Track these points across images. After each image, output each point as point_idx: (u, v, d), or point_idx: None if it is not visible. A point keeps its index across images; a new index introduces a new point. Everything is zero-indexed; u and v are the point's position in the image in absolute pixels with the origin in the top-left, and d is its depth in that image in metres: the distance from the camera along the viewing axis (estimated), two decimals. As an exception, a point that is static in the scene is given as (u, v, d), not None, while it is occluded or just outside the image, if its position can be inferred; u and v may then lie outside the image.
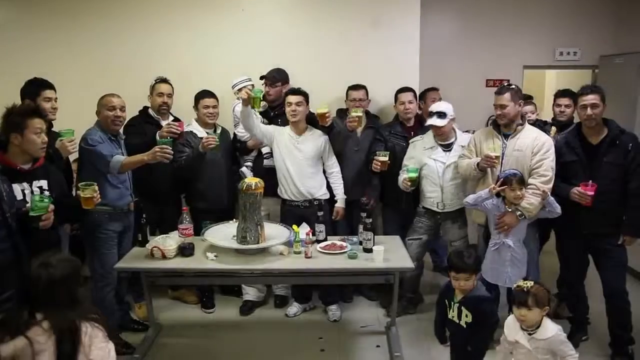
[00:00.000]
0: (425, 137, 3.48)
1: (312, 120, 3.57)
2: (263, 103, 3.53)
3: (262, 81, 3.78)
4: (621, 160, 2.92)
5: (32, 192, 2.32)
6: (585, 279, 3.24)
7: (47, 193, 2.40)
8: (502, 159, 3.13)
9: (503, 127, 3.18)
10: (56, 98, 3.13)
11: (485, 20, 5.14)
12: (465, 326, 2.44)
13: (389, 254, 3.00)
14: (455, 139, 3.44)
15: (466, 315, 2.43)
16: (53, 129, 2.94)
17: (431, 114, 3.36)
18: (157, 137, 3.27)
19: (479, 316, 2.41)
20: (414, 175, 3.32)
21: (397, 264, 2.99)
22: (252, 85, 3.66)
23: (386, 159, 3.40)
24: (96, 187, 2.57)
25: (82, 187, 2.54)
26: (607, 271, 3.07)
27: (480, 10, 5.13)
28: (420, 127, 3.66)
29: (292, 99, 3.48)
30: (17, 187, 2.26)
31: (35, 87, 3.05)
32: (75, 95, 3.55)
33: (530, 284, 2.21)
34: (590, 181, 2.88)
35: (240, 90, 3.55)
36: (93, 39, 4.07)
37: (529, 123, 3.39)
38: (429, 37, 4.61)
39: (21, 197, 2.27)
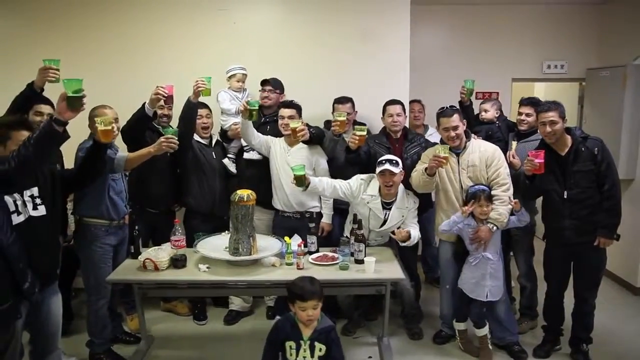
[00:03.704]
0: (372, 181, 3.38)
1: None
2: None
3: (261, 87, 3.84)
4: (590, 166, 2.97)
5: (24, 202, 2.32)
6: (565, 289, 3.28)
7: (39, 201, 2.39)
8: (459, 176, 3.22)
9: (453, 147, 3.21)
10: (50, 114, 3.13)
11: (474, 34, 5.22)
12: None
13: (380, 265, 3.03)
14: (395, 200, 3.35)
15: (320, 350, 2.35)
16: None
17: (384, 161, 3.24)
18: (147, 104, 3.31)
19: (331, 344, 2.36)
20: (299, 173, 3.16)
21: (388, 274, 3.01)
22: (244, 74, 3.81)
23: (364, 133, 3.27)
24: (112, 118, 2.66)
25: (99, 120, 2.58)
26: (582, 277, 3.16)
27: (469, 23, 5.21)
28: (405, 139, 3.68)
29: (285, 112, 3.53)
30: (8, 199, 2.24)
31: (28, 101, 3.04)
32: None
33: None
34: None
35: (231, 77, 3.79)
36: (89, 50, 4.11)
37: (485, 120, 3.80)
38: (418, 50, 4.68)
39: (14, 209, 2.26)
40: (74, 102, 2.17)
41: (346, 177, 3.52)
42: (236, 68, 3.84)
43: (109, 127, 2.59)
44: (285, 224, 3.60)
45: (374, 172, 3.34)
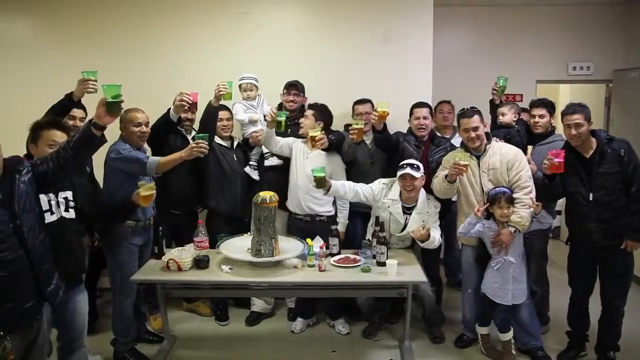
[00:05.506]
0: (393, 186, 3.38)
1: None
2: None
3: (285, 90, 3.86)
4: (616, 167, 2.91)
5: (57, 203, 2.38)
6: (591, 294, 3.21)
7: (72, 204, 2.47)
8: (480, 179, 3.19)
9: (473, 149, 3.20)
10: (82, 118, 3.21)
11: (498, 35, 5.18)
12: None
13: (402, 267, 3.02)
14: (416, 205, 3.33)
15: None
16: None
17: (405, 165, 3.24)
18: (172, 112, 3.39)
19: None
20: (319, 174, 3.15)
21: (410, 277, 3.00)
22: (248, 83, 3.81)
23: (386, 109, 3.25)
24: (153, 184, 2.87)
25: (140, 185, 2.79)
26: (609, 283, 3.09)
27: (492, 25, 5.17)
28: (432, 142, 3.66)
29: (311, 113, 3.54)
30: (44, 198, 2.31)
31: (66, 109, 3.11)
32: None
33: None
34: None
35: (241, 86, 3.79)
36: (112, 52, 4.16)
37: (503, 124, 3.59)
38: (442, 52, 4.65)
39: (47, 208, 2.32)
40: (113, 107, 2.22)
41: (368, 180, 3.51)
42: (245, 78, 3.84)
43: (150, 193, 2.86)
44: (297, 226, 3.59)
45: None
